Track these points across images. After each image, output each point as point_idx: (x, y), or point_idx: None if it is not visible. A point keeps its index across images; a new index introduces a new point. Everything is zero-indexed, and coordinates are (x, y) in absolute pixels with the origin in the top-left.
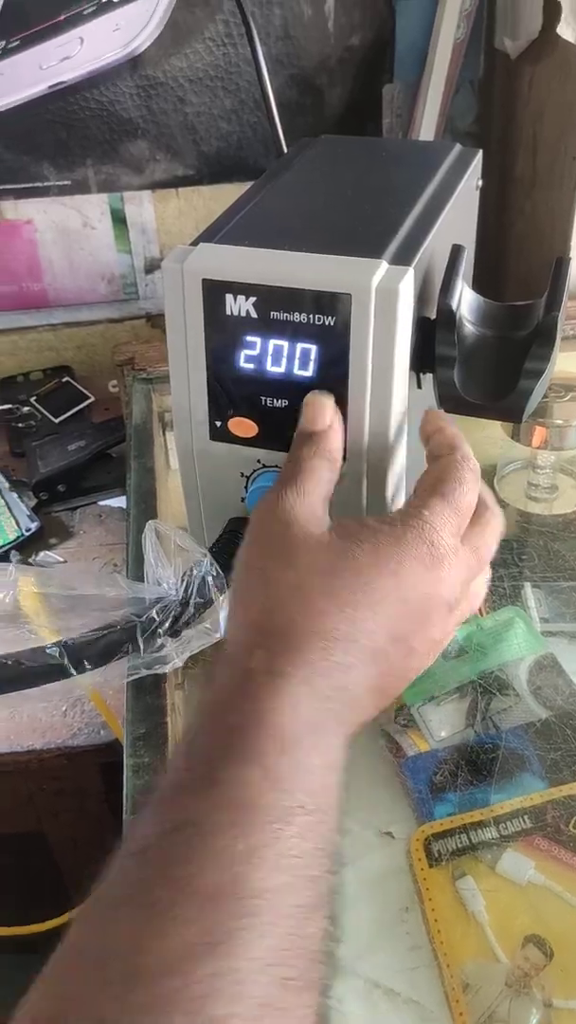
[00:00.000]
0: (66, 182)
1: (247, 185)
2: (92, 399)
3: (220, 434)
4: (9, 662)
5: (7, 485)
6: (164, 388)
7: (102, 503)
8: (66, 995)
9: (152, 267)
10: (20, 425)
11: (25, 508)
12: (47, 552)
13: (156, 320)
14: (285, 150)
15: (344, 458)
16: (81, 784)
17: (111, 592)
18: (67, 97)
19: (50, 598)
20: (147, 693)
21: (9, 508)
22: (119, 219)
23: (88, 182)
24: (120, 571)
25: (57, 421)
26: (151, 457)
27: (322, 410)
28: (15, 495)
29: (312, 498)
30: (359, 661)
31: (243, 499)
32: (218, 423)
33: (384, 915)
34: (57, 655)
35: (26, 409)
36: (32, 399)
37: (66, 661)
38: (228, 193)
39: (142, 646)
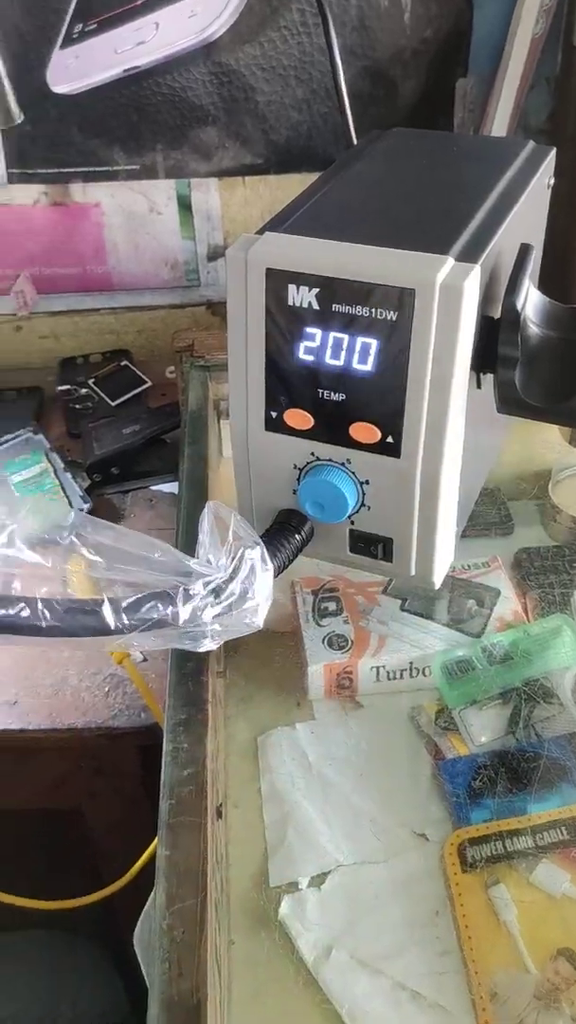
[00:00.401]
0: (135, 167)
1: (315, 175)
2: (149, 384)
3: (275, 425)
4: (46, 609)
5: (62, 465)
6: (221, 376)
7: (153, 488)
8: None
9: (215, 255)
10: (77, 406)
11: (78, 489)
12: None
13: (216, 308)
14: (355, 141)
15: (399, 455)
16: (119, 765)
17: (157, 555)
18: (140, 82)
19: (101, 551)
20: (189, 679)
21: (63, 488)
22: (185, 205)
23: (156, 167)
24: None
25: (114, 404)
26: (205, 444)
27: None
28: (69, 475)
29: None
30: None
31: (295, 491)
32: (274, 413)
33: (415, 917)
34: (100, 608)
35: (84, 391)
36: (90, 381)
37: (108, 615)
38: (295, 183)
39: (180, 614)
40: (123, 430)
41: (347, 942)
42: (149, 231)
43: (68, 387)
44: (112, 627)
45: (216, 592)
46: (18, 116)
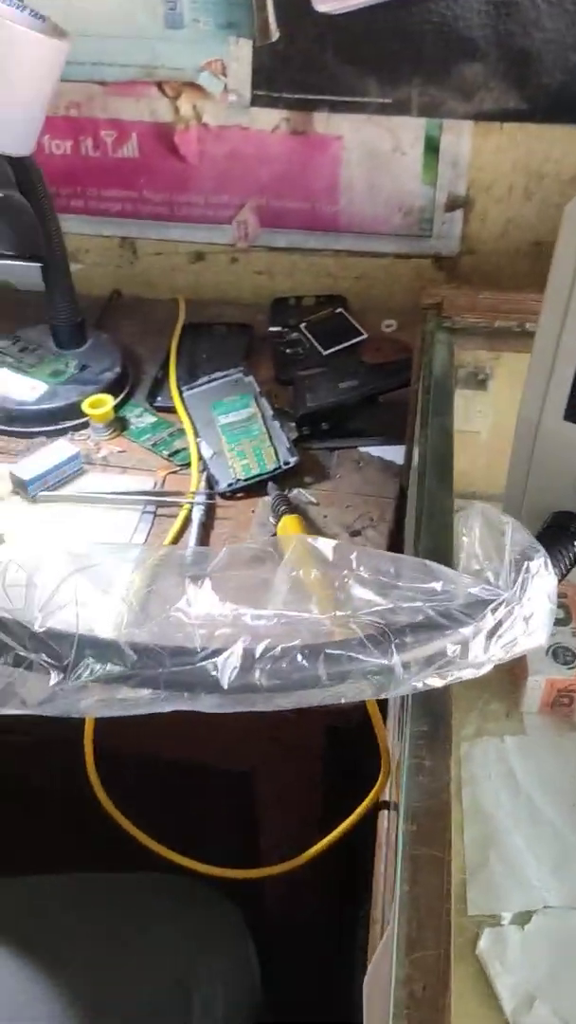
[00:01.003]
0: (387, 100)
1: None
2: (364, 336)
3: None
4: (340, 651)
5: (271, 412)
6: (467, 342)
7: (362, 449)
8: None
9: (454, 204)
10: (287, 351)
11: (286, 440)
12: (301, 490)
13: (444, 263)
14: None
15: None
16: (302, 739)
17: (421, 581)
18: (410, 7)
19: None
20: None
21: (270, 437)
22: (432, 148)
23: (410, 103)
24: (376, 527)
25: (325, 353)
26: (450, 416)
27: None
28: (277, 424)
29: None
30: None
31: None
32: None
33: None
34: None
35: (295, 335)
36: (302, 326)
37: (395, 652)
38: (558, 134)
39: (470, 650)
40: (339, 384)
41: (550, 994)
42: (388, 172)
43: (279, 329)
44: (397, 666)
45: (498, 615)
46: (275, 34)
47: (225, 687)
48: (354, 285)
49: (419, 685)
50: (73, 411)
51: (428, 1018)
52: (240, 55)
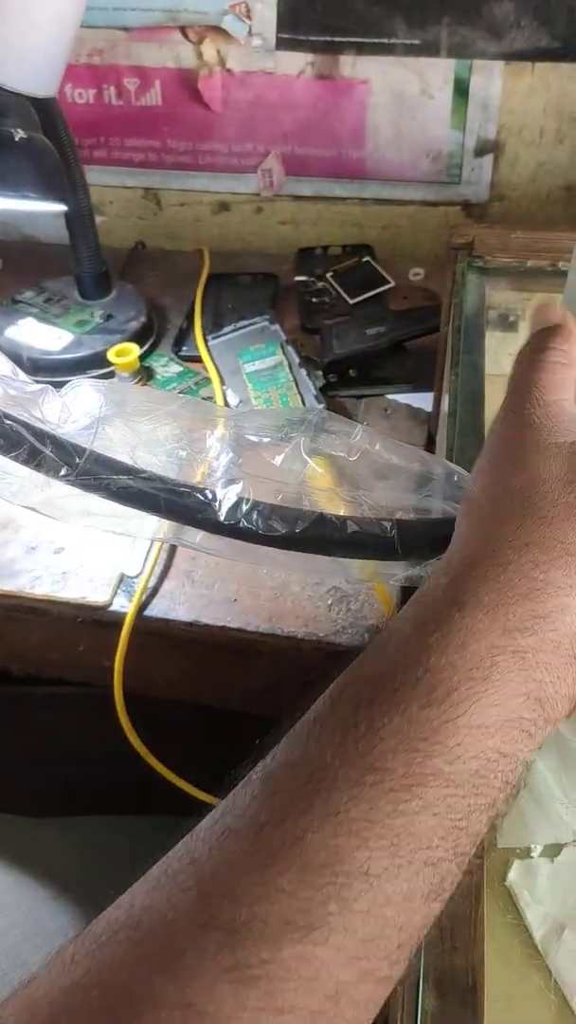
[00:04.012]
0: (415, 41)
1: None
2: (391, 284)
3: None
4: (336, 522)
5: (297, 360)
6: (498, 282)
7: (390, 397)
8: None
9: (484, 149)
10: (314, 300)
11: (312, 387)
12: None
13: (473, 209)
14: None
15: None
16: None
17: (417, 466)
18: None
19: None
20: None
21: (297, 385)
22: (461, 90)
23: (439, 43)
24: None
25: (352, 302)
26: (481, 354)
27: (549, 310)
28: (304, 372)
29: (552, 406)
30: None
31: None
32: None
33: None
34: (388, 530)
35: (321, 284)
36: (328, 275)
37: (396, 541)
38: None
39: None
40: (366, 331)
41: None
42: (416, 116)
43: (305, 278)
44: (400, 554)
45: None
46: None
47: (222, 519)
48: (381, 234)
49: (417, 571)
50: (98, 360)
51: (459, 929)
52: None
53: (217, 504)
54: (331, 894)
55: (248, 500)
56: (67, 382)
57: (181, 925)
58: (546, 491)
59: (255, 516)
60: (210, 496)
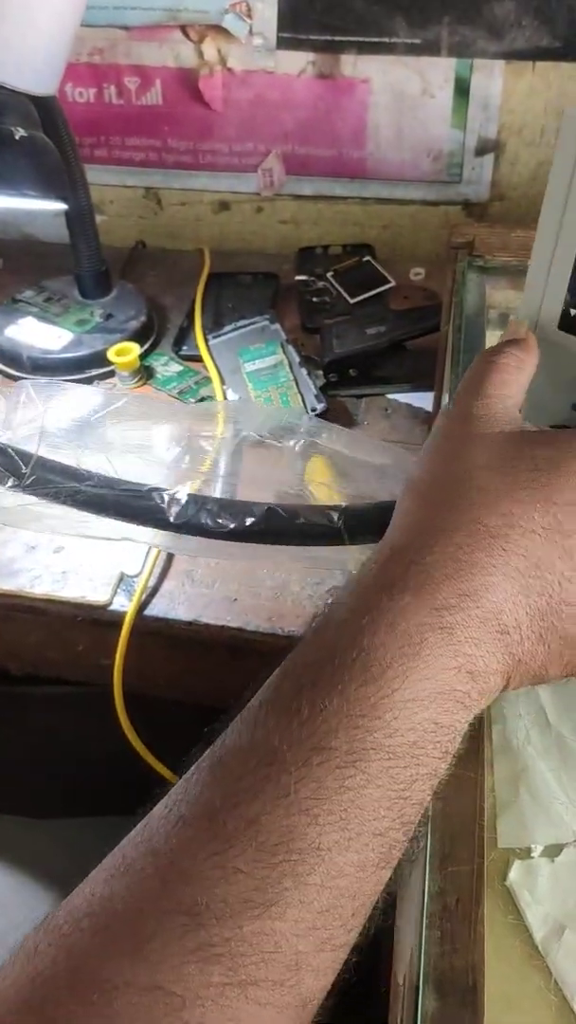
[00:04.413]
0: (416, 40)
1: None
2: (392, 284)
3: (571, 325)
4: (285, 513)
5: (298, 359)
6: (498, 281)
7: (391, 396)
8: (114, 918)
9: (484, 148)
10: (314, 299)
11: (313, 387)
12: None
13: (473, 209)
14: None
15: None
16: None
17: (379, 459)
18: None
19: (335, 458)
20: None
21: (297, 384)
22: (462, 90)
23: (440, 43)
24: None
25: (352, 302)
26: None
27: (519, 325)
28: (305, 371)
29: (492, 399)
30: (503, 564)
31: (574, 406)
32: (573, 311)
33: None
34: (335, 519)
35: (322, 284)
36: (329, 274)
37: (343, 528)
38: None
39: None
40: (366, 330)
41: None
42: (417, 116)
43: (306, 278)
44: (347, 540)
45: None
46: None
47: (172, 520)
48: (381, 233)
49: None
50: (98, 359)
51: (460, 930)
52: None
53: (166, 504)
54: (286, 871)
55: (196, 499)
56: (68, 381)
57: (146, 911)
58: (473, 478)
59: (204, 515)
60: (158, 498)
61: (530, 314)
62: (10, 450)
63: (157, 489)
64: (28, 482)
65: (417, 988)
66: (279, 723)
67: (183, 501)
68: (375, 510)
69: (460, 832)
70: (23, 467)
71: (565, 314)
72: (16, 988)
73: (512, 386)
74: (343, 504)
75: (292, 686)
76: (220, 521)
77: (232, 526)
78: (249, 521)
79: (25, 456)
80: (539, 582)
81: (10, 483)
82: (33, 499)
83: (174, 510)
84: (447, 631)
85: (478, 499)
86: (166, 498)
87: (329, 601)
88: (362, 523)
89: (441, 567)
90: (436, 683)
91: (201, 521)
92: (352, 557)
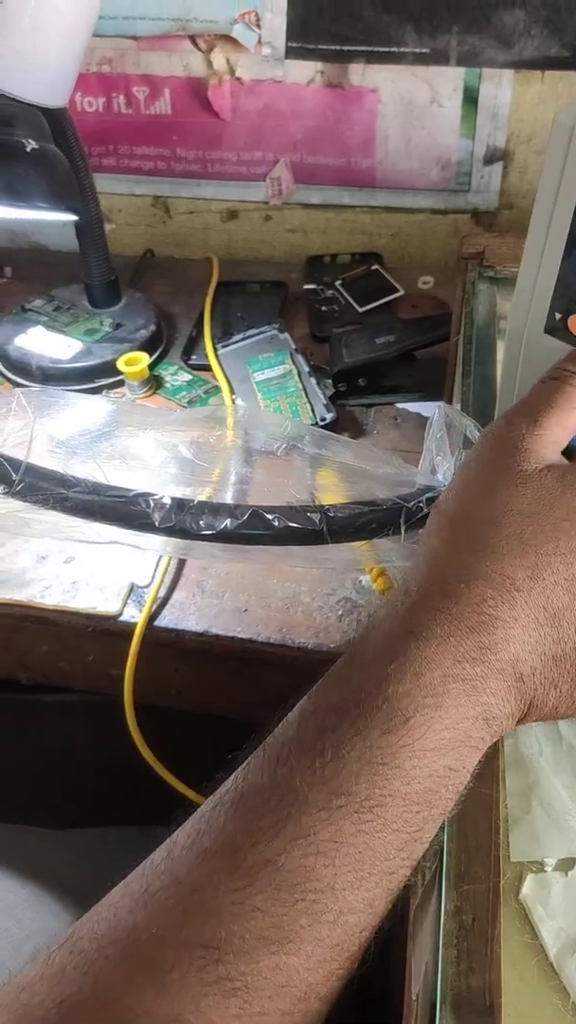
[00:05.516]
0: (425, 50)
1: None
2: (400, 293)
3: (556, 328)
4: (269, 516)
5: (307, 369)
6: (509, 292)
7: (400, 405)
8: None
9: (493, 158)
10: (323, 308)
11: (322, 396)
12: None
13: (482, 217)
14: None
15: None
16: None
17: (381, 469)
18: None
19: (344, 469)
20: None
21: (306, 393)
22: (471, 99)
23: (449, 52)
24: None
25: (361, 311)
26: (493, 366)
27: None
28: (313, 381)
29: (545, 432)
30: (524, 616)
31: None
32: (558, 315)
33: None
34: (316, 521)
35: (330, 292)
36: (337, 283)
37: (324, 528)
38: None
39: (403, 531)
40: (375, 340)
41: None
42: (425, 125)
43: (314, 287)
44: (329, 540)
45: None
46: None
47: (157, 524)
48: (390, 242)
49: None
50: (108, 369)
51: (478, 949)
52: (275, 5)
53: (151, 508)
54: (302, 910)
55: (180, 502)
56: (77, 391)
57: (167, 943)
58: (506, 524)
59: (188, 518)
60: (144, 503)
61: (519, 316)
62: (0, 458)
63: (143, 494)
64: (18, 488)
65: (434, 1009)
66: (301, 763)
67: (167, 505)
68: (353, 516)
69: (476, 850)
70: (13, 474)
71: (551, 318)
72: (44, 1010)
73: (572, 420)
74: (324, 506)
75: (316, 727)
76: (203, 523)
77: (216, 528)
78: (233, 523)
79: (15, 463)
80: (556, 631)
81: (0, 490)
82: (23, 505)
83: (158, 515)
84: (468, 682)
85: (507, 548)
86: (151, 503)
87: (355, 637)
88: (342, 528)
89: (466, 619)
90: (455, 732)
91: (186, 524)
92: (357, 557)
